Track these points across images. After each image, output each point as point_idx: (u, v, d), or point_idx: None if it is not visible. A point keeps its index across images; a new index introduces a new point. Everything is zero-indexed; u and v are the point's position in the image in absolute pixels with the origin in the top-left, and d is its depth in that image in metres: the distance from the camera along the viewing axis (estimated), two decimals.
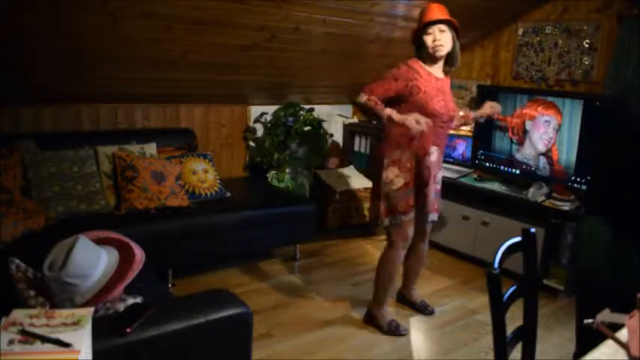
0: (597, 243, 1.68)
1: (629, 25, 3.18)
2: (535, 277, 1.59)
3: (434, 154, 2.65)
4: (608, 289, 1.47)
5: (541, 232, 3.27)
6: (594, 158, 2.91)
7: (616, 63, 3.23)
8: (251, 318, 1.60)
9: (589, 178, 3.21)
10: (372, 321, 2.86)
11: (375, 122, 3.08)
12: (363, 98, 2.52)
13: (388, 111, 2.48)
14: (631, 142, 1.56)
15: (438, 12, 2.52)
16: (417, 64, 2.59)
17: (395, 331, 2.79)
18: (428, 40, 2.53)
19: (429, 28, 2.52)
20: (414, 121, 2.42)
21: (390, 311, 2.94)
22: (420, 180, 2.65)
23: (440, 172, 2.78)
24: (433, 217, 2.79)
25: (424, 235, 2.92)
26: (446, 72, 2.69)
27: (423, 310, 3.07)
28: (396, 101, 2.55)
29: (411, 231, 2.72)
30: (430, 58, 2.59)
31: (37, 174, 2.89)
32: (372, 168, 2.80)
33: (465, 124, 3.09)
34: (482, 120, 2.99)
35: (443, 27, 2.52)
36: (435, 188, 2.74)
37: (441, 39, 2.52)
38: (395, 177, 2.63)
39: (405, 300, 3.14)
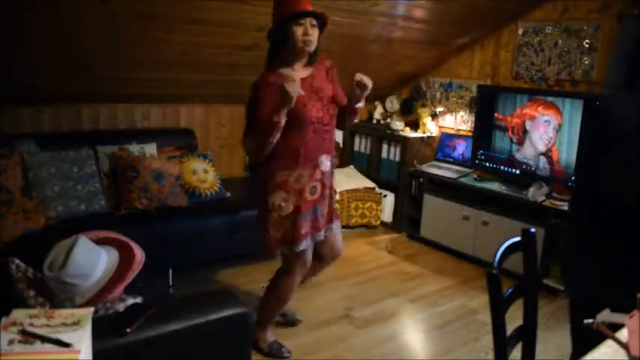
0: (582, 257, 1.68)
1: (629, 25, 3.18)
2: (535, 277, 1.59)
3: (324, 164, 2.32)
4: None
5: (541, 232, 3.27)
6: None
7: (616, 63, 3.23)
8: (251, 318, 1.60)
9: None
10: (253, 342, 2.48)
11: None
12: (248, 143, 2.21)
13: (270, 117, 2.07)
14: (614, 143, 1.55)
15: (308, 2, 2.17)
16: (273, 77, 2.18)
17: (277, 353, 2.51)
18: (298, 31, 2.13)
19: (300, 18, 2.13)
20: (285, 90, 1.99)
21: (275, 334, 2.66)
22: (312, 198, 2.30)
23: (332, 178, 2.45)
24: (336, 225, 2.52)
25: (335, 249, 2.59)
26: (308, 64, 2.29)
27: (294, 322, 2.84)
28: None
29: (309, 255, 2.41)
30: (293, 55, 2.21)
31: (37, 174, 2.89)
32: (254, 194, 2.40)
33: (352, 113, 2.45)
34: (359, 104, 2.36)
35: (314, 21, 2.17)
36: (330, 199, 2.44)
37: (313, 34, 2.16)
38: (283, 201, 2.26)
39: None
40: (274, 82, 2.13)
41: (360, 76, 2.20)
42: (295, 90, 1.99)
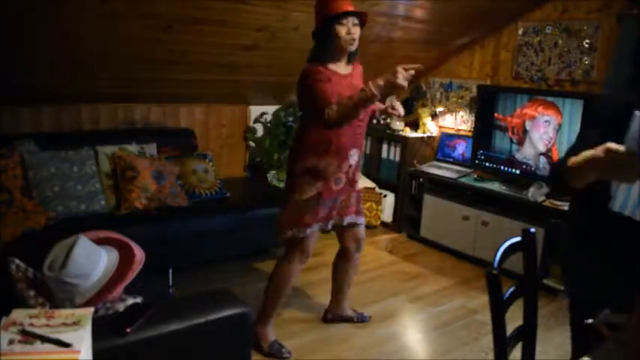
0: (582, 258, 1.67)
1: (629, 25, 3.18)
2: (535, 277, 1.59)
3: (353, 157, 2.42)
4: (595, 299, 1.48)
5: (541, 232, 3.27)
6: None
7: (615, 63, 3.23)
8: (251, 318, 1.60)
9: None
10: (253, 339, 2.50)
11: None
12: (331, 113, 2.17)
13: (368, 86, 2.12)
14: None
15: (348, 2, 2.27)
16: (321, 67, 2.28)
17: (277, 353, 2.52)
18: (341, 31, 2.23)
19: (343, 18, 2.23)
20: (401, 76, 2.06)
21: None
22: (336, 188, 2.41)
23: (359, 173, 2.56)
24: (358, 219, 2.60)
25: (357, 242, 2.69)
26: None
27: (362, 320, 2.91)
28: (307, 113, 2.35)
29: (311, 246, 2.48)
30: (336, 53, 2.31)
31: (37, 174, 2.89)
32: (286, 176, 2.52)
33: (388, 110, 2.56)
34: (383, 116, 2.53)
35: (356, 20, 2.27)
36: (355, 192, 2.56)
37: (355, 32, 2.27)
38: (307, 185, 2.36)
39: (338, 317, 2.88)
40: (323, 71, 2.25)
41: (398, 107, 2.44)
42: (403, 78, 2.06)
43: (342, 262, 2.76)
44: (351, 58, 2.38)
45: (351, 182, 2.49)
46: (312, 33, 2.33)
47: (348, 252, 2.71)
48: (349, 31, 2.24)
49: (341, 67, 2.35)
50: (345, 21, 2.23)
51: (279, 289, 2.51)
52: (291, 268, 2.49)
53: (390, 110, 2.48)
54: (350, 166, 2.42)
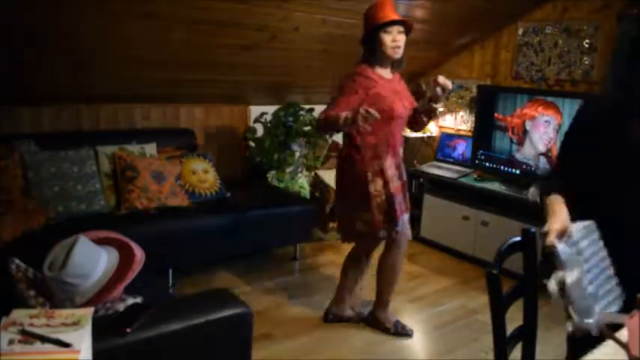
0: None
1: (629, 25, 3.17)
2: (535, 277, 1.59)
3: (400, 155, 2.63)
4: None
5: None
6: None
7: (615, 63, 3.23)
8: (251, 318, 1.60)
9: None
10: (376, 324, 2.83)
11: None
12: (322, 116, 2.37)
13: (342, 114, 2.26)
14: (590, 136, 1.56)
15: (394, 10, 2.40)
16: (368, 71, 2.45)
17: (402, 331, 2.78)
18: (387, 39, 2.38)
19: (388, 26, 2.37)
20: (361, 115, 2.15)
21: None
22: (396, 185, 2.57)
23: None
24: (406, 218, 2.68)
25: (407, 240, 2.73)
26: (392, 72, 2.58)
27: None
28: None
29: (409, 230, 2.69)
30: (382, 60, 2.46)
31: (37, 174, 2.89)
32: (347, 185, 2.61)
33: (427, 112, 2.63)
34: (436, 104, 2.54)
35: (401, 28, 2.41)
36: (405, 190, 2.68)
37: (400, 40, 2.41)
38: (382, 188, 2.53)
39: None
40: (364, 75, 2.43)
41: (443, 79, 2.40)
42: (371, 115, 2.16)
43: (387, 262, 2.76)
44: (397, 66, 2.53)
45: (404, 181, 2.65)
46: (360, 40, 2.49)
47: (390, 250, 2.76)
48: (394, 38, 2.39)
49: (386, 73, 2.52)
50: (390, 29, 2.37)
51: (397, 273, 2.77)
52: (402, 253, 2.72)
53: (439, 88, 2.40)
54: (399, 164, 2.60)
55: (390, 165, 2.53)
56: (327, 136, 4.46)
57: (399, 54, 2.44)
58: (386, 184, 2.52)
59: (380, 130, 2.45)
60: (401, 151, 2.64)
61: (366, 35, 2.45)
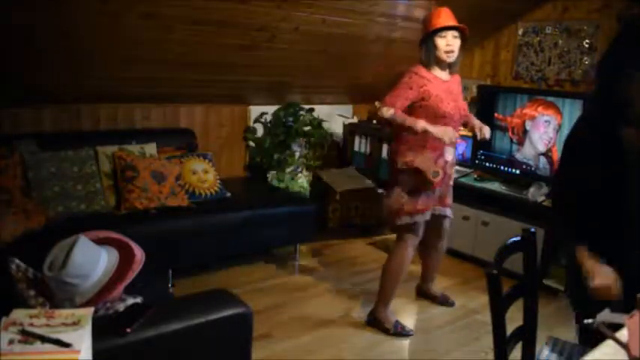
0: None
1: (629, 25, 3.17)
2: (535, 277, 1.59)
3: (448, 154, 2.73)
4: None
5: (541, 232, 3.27)
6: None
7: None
8: (251, 318, 1.60)
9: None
10: (376, 324, 2.84)
11: (388, 129, 3.06)
12: (389, 112, 2.54)
13: (422, 123, 2.51)
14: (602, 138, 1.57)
15: (451, 17, 2.61)
16: (423, 71, 2.64)
17: (401, 331, 2.80)
18: (441, 43, 2.59)
19: (442, 31, 2.58)
20: (447, 136, 2.50)
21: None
22: (434, 180, 2.69)
23: (453, 169, 2.88)
24: (448, 212, 2.87)
25: (441, 232, 2.96)
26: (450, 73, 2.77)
27: (444, 303, 3.18)
28: (408, 107, 2.62)
29: (422, 230, 2.78)
30: (437, 62, 2.64)
31: (37, 174, 2.89)
32: (388, 173, 2.90)
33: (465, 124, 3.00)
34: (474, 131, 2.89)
35: (456, 34, 2.61)
36: (448, 186, 2.84)
37: (453, 45, 2.60)
38: (410, 178, 2.68)
39: (425, 294, 3.24)
40: (419, 74, 2.61)
41: (485, 133, 2.78)
42: (452, 138, 2.52)
43: (427, 250, 3.05)
44: (452, 68, 2.71)
45: (447, 178, 2.77)
46: (419, 42, 2.69)
47: (432, 241, 2.98)
48: (448, 43, 2.58)
49: (443, 74, 2.68)
50: (444, 34, 2.58)
51: (396, 274, 2.80)
52: (407, 252, 2.78)
53: (477, 132, 2.81)
54: (445, 162, 2.70)
55: (425, 159, 2.64)
56: (327, 137, 4.47)
57: (451, 57, 2.62)
58: (416, 175, 2.65)
59: None
60: (449, 148, 2.71)
61: (423, 39, 2.65)
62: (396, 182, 2.72)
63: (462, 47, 2.67)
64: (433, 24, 2.59)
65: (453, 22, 2.59)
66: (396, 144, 2.74)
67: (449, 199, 2.89)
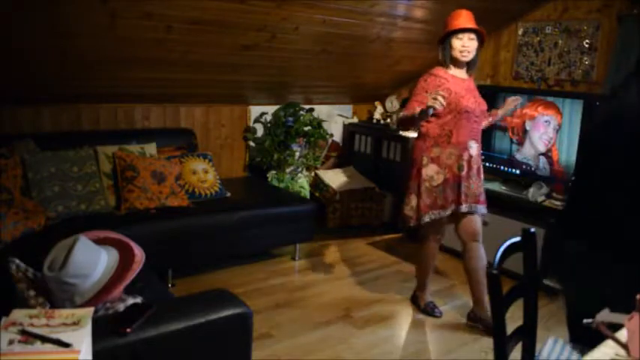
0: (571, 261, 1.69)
1: (629, 25, 3.17)
2: (535, 277, 1.59)
3: (473, 149, 2.76)
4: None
5: (541, 232, 3.27)
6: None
7: (615, 63, 3.23)
8: (251, 318, 1.60)
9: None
10: (415, 300, 3.14)
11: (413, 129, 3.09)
12: (399, 115, 2.70)
13: (417, 107, 2.61)
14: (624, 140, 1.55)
15: (469, 20, 2.67)
16: (441, 71, 2.74)
17: (430, 311, 3.02)
18: (457, 43, 2.67)
19: (460, 33, 2.66)
20: (434, 99, 2.47)
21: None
22: (460, 174, 2.73)
23: (480, 164, 2.85)
24: (480, 209, 2.78)
25: (468, 232, 2.79)
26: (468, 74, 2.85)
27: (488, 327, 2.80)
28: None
29: (444, 227, 2.88)
30: (454, 61, 2.74)
31: (37, 174, 2.89)
32: (408, 166, 2.95)
33: (493, 122, 3.09)
34: (509, 113, 3.11)
35: (472, 35, 2.68)
36: (476, 181, 2.80)
37: (469, 46, 2.68)
38: (435, 174, 2.75)
39: (478, 319, 2.87)
40: (436, 75, 2.72)
41: (518, 101, 2.96)
42: (438, 100, 2.46)
43: (465, 259, 2.85)
44: (470, 68, 2.80)
45: (474, 171, 2.77)
46: (437, 42, 2.78)
47: (464, 244, 2.84)
48: (464, 44, 2.67)
49: (461, 74, 2.77)
50: (461, 36, 2.67)
51: (426, 265, 3.01)
52: (430, 246, 2.94)
53: (511, 105, 2.95)
54: (470, 156, 2.74)
55: (450, 154, 2.71)
56: (327, 137, 4.47)
57: (467, 57, 2.70)
58: (441, 170, 2.73)
59: (446, 122, 2.70)
60: (472, 144, 2.75)
61: (441, 39, 2.74)
62: (422, 178, 2.76)
63: (480, 49, 2.75)
64: (451, 25, 2.67)
65: (470, 25, 2.66)
66: (421, 141, 2.81)
67: (479, 195, 2.77)
